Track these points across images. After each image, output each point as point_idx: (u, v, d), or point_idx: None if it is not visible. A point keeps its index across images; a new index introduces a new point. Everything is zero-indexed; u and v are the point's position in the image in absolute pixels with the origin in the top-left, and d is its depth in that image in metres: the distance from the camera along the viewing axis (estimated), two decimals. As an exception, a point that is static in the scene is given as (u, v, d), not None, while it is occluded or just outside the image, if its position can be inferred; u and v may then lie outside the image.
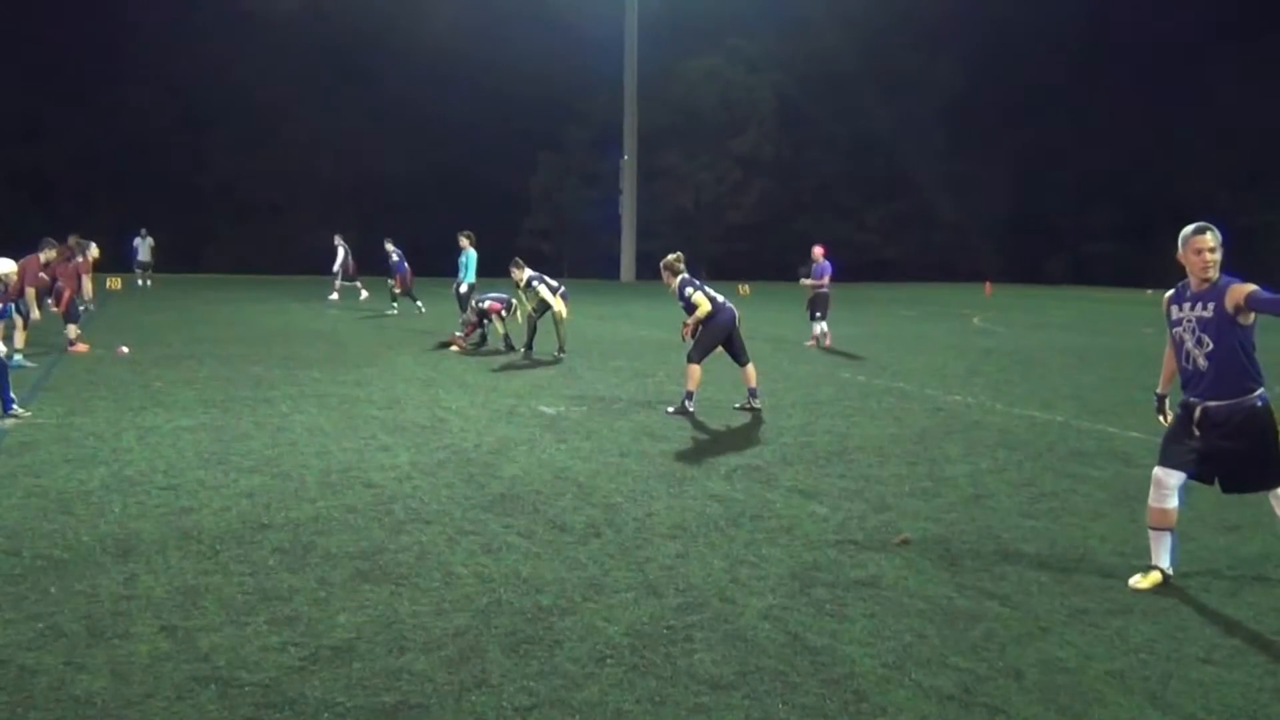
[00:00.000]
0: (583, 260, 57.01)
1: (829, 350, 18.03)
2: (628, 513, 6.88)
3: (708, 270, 51.44)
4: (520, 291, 16.55)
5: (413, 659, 4.41)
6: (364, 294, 28.37)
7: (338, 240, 28.41)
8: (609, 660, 4.44)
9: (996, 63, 59.71)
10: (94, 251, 18.38)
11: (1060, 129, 62.48)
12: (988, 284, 47.01)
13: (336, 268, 28.36)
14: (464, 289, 19.35)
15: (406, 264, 24.51)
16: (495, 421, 10.27)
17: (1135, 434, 10.12)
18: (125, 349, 15.33)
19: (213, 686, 4.11)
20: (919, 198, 62.78)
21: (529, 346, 16.17)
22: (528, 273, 16.34)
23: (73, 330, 15.32)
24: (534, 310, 16.19)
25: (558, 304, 16.02)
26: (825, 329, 18.79)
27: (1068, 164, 62.49)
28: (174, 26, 52.18)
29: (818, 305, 18.67)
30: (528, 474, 7.97)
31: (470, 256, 19.58)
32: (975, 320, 27.86)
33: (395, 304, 24.41)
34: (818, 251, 19.04)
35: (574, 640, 4.65)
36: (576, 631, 4.75)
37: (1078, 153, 61.78)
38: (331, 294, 28.41)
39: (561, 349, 15.98)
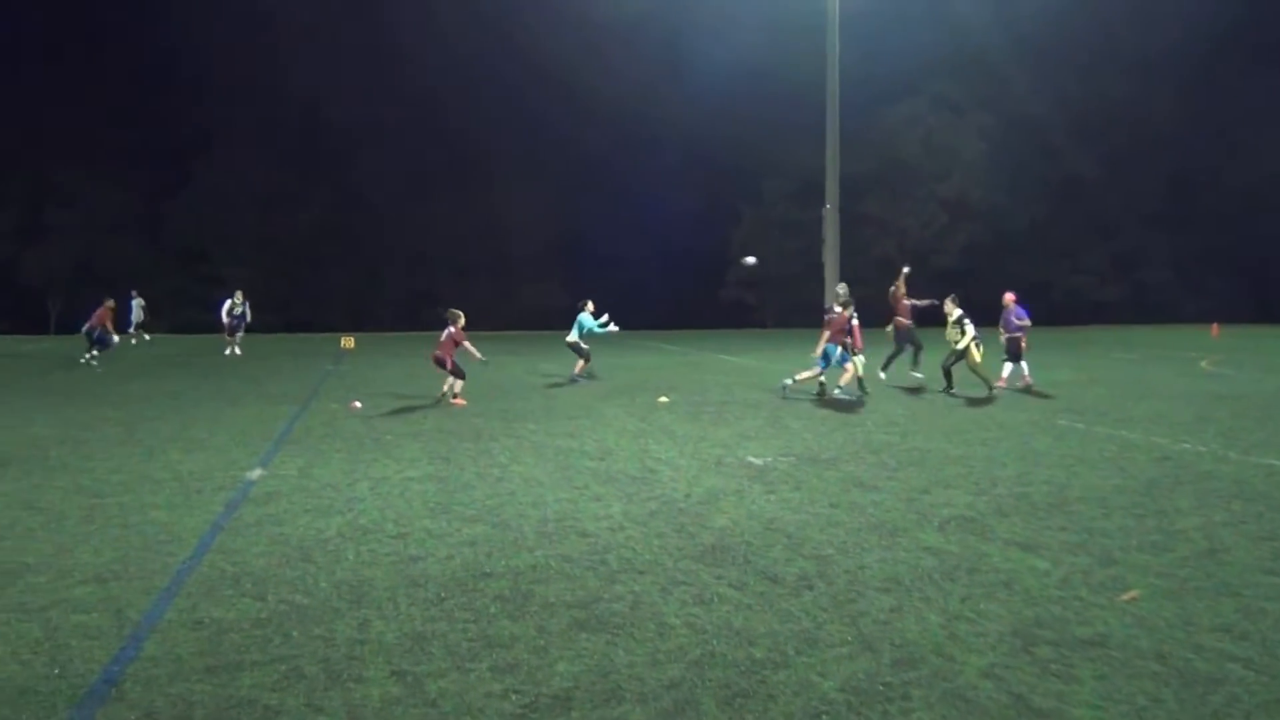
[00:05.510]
0: (786, 310, 57.07)
1: (1019, 390, 18.76)
2: (839, 565, 6.80)
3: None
4: (951, 327, 18.15)
5: (629, 709, 4.50)
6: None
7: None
8: (824, 716, 4.41)
9: (1212, 92, 56.58)
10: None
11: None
12: (1215, 325, 44.22)
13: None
14: (577, 340, 21.11)
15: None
16: (704, 472, 10.36)
17: (1395, 485, 9.32)
18: (358, 404, 16.27)
19: (443, 729, 4.31)
20: (1135, 237, 59.94)
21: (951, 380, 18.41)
22: (958, 312, 18.02)
23: (458, 385, 16.86)
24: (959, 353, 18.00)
25: (974, 351, 17.83)
26: (1012, 371, 19.48)
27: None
28: (399, 102, 56.07)
29: (1008, 348, 19.55)
30: (737, 525, 8.00)
31: (584, 317, 21.19)
32: (1203, 363, 26.23)
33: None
34: (1008, 298, 19.98)
35: (788, 695, 4.64)
36: (790, 686, 4.74)
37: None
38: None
39: (990, 387, 18.10)
